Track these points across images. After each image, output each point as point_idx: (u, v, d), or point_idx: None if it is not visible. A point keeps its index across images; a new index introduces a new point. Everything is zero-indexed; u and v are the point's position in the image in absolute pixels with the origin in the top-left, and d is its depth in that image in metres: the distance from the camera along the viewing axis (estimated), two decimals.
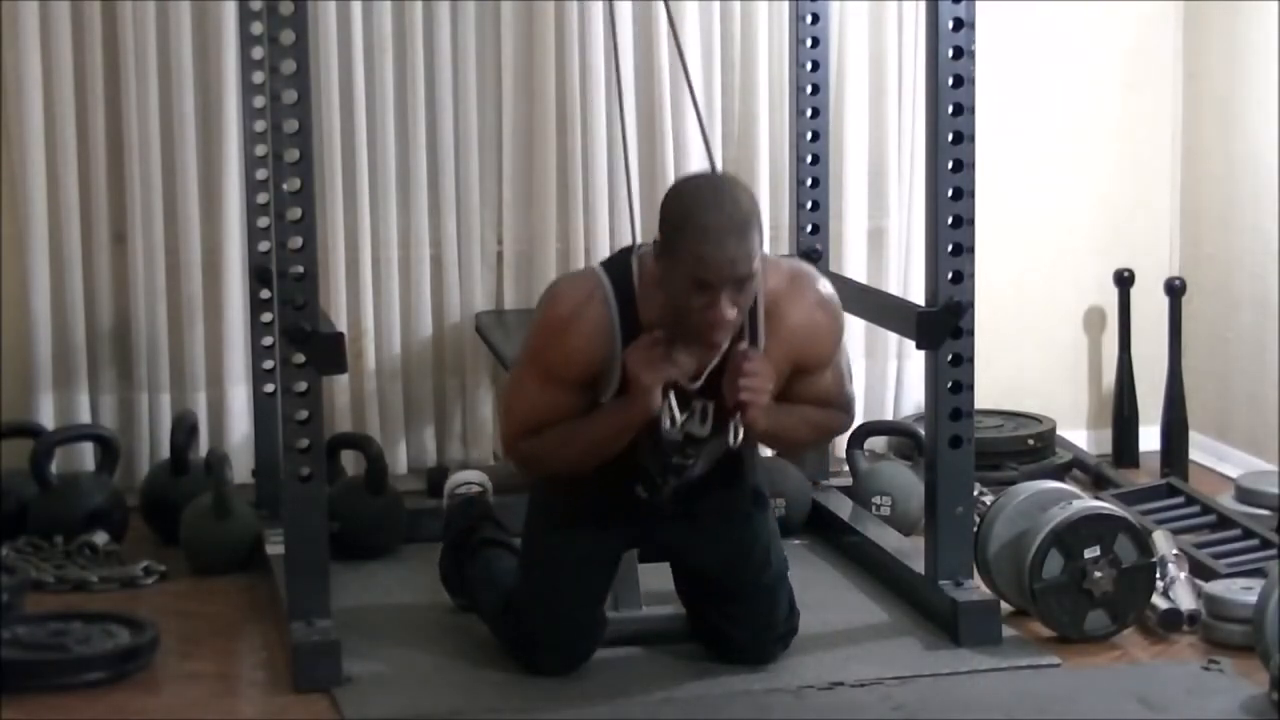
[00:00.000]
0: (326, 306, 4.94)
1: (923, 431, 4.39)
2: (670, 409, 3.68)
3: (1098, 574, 4.07)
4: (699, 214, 3.53)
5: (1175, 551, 4.35)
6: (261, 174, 4.69)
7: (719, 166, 4.62)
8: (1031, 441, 5.40)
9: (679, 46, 4.61)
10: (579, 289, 3.73)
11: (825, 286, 3.83)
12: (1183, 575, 4.26)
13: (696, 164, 5.37)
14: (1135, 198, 5.76)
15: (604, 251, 5.32)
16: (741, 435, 3.74)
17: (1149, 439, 5.56)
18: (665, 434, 3.70)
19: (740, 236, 3.52)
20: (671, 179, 5.30)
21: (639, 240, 3.90)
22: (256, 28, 4.61)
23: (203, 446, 5.09)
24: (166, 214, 5.16)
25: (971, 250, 4.08)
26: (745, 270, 3.53)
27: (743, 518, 3.95)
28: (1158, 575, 4.20)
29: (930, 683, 3.89)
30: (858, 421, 5.33)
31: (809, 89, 4.95)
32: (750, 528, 3.95)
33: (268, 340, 4.67)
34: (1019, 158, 5.64)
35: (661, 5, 5.29)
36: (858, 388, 5.51)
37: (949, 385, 4.10)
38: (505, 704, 3.79)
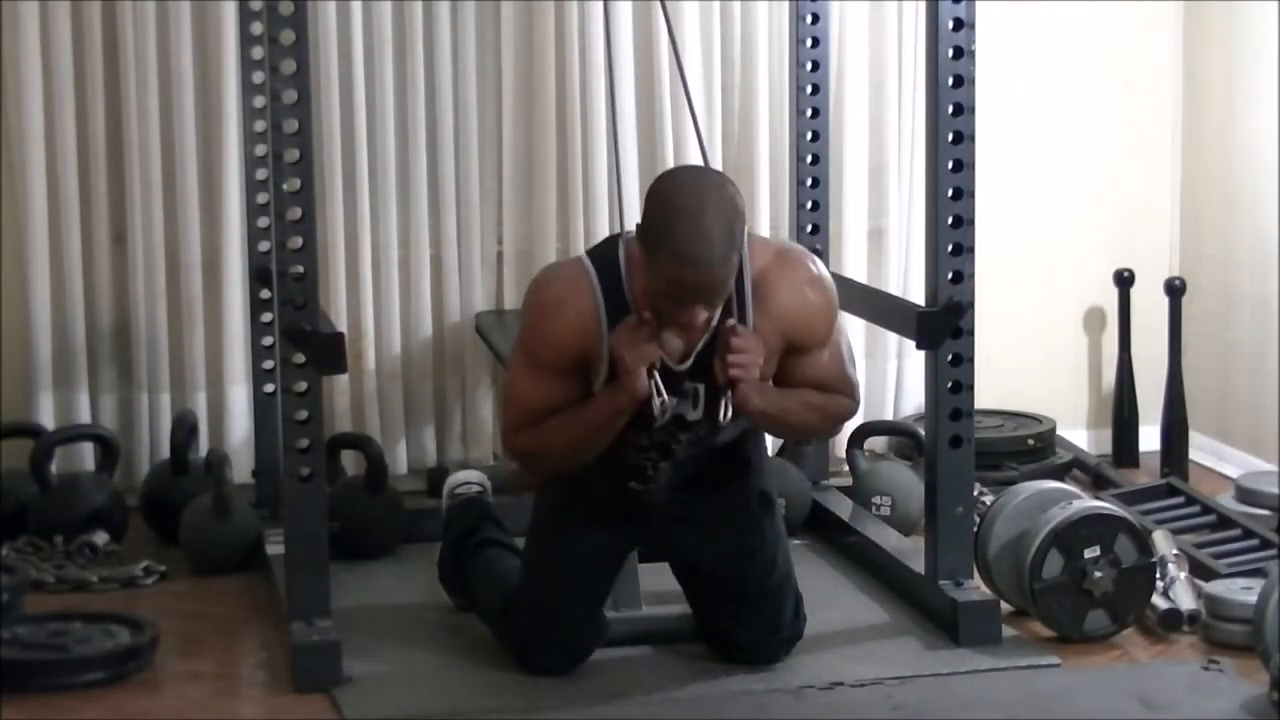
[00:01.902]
0: (326, 306, 4.94)
1: (923, 431, 4.39)
2: (658, 391, 3.66)
3: (1098, 574, 4.07)
4: (678, 232, 3.51)
5: (1175, 551, 4.35)
6: (261, 174, 4.69)
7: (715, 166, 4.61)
8: (1031, 441, 5.40)
9: (675, 48, 4.59)
10: (563, 275, 3.75)
11: (816, 265, 3.82)
12: (1183, 575, 4.26)
13: (696, 163, 5.37)
14: (1135, 198, 5.76)
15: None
16: (732, 413, 3.72)
17: (1149, 439, 5.56)
18: (655, 417, 3.69)
19: (719, 259, 3.51)
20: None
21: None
22: (256, 28, 4.61)
23: (203, 446, 5.10)
24: (166, 214, 5.16)
25: (971, 250, 4.08)
26: (721, 289, 3.55)
27: (749, 519, 3.95)
28: (1158, 575, 4.20)
29: (930, 683, 3.89)
30: (858, 421, 5.36)
31: (809, 89, 4.95)
32: (756, 530, 3.95)
33: (268, 340, 4.67)
34: (1019, 157, 5.64)
35: (662, 5, 5.30)
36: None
37: (949, 385, 4.10)
38: (505, 704, 3.79)
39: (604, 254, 3.75)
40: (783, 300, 3.73)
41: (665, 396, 3.68)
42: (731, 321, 3.65)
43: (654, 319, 3.61)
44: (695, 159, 5.33)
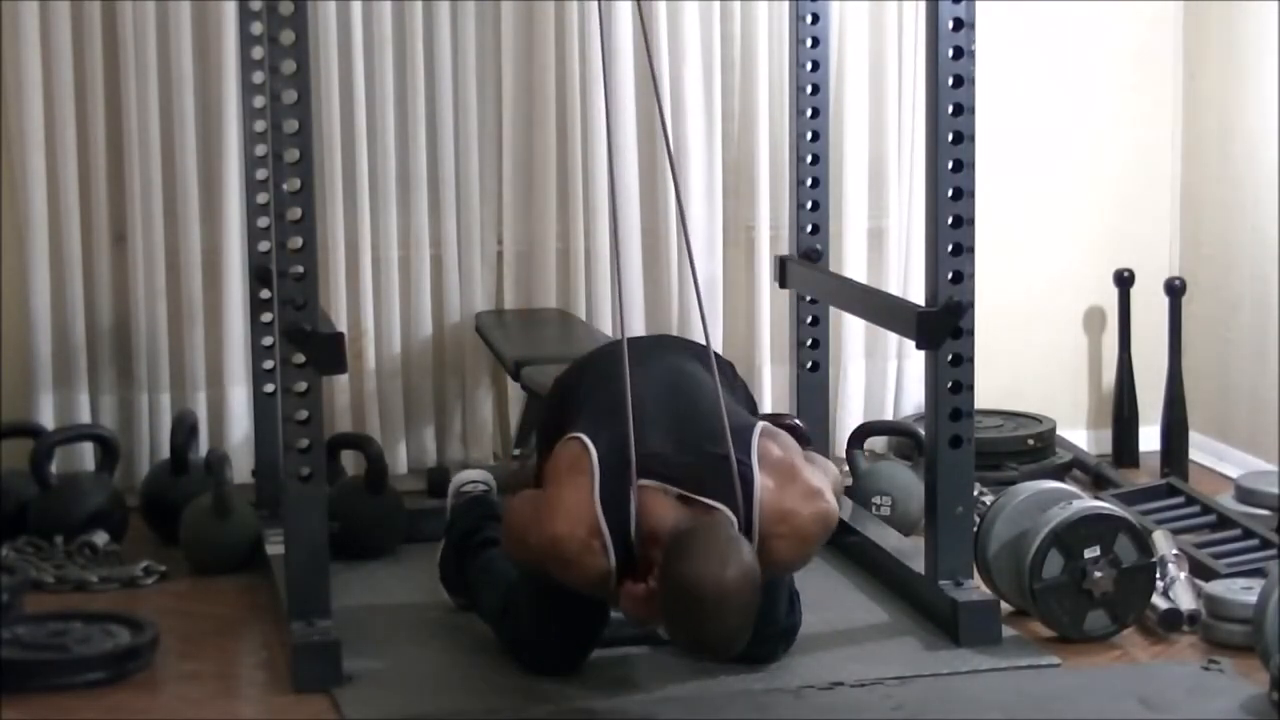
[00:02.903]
0: (326, 306, 4.95)
1: (923, 431, 4.39)
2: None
3: (1098, 574, 4.07)
4: (702, 627, 3.51)
5: (1175, 551, 4.35)
6: (261, 174, 4.69)
7: (678, 180, 4.60)
8: (1031, 441, 5.40)
9: (648, 50, 4.56)
10: (579, 531, 3.62)
11: (821, 521, 3.74)
12: (1183, 575, 4.26)
13: (696, 164, 5.38)
14: (1135, 198, 5.76)
15: (604, 251, 5.32)
16: None
17: (1149, 439, 5.56)
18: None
19: (734, 644, 3.57)
20: (671, 179, 5.30)
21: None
22: (256, 28, 4.61)
23: (203, 446, 5.10)
24: (166, 214, 5.16)
25: (971, 250, 4.08)
26: (735, 654, 3.64)
27: None
28: (1158, 575, 4.20)
29: (930, 683, 3.89)
30: (857, 421, 5.36)
31: (809, 89, 4.95)
32: None
33: (268, 340, 4.67)
34: (1019, 158, 5.64)
35: (662, 5, 5.31)
36: (858, 388, 5.55)
37: (949, 385, 4.10)
38: (505, 704, 3.79)
39: (616, 506, 3.64)
40: (785, 560, 3.73)
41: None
42: None
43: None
44: (696, 158, 5.36)
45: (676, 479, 3.65)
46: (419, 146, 5.27)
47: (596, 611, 3.95)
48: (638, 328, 5.32)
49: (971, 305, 4.09)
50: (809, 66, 4.93)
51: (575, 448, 3.71)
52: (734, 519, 3.62)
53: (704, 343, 4.01)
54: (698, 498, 3.62)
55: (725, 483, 3.63)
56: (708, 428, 3.70)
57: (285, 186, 3.88)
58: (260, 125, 4.64)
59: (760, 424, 3.80)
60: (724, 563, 3.48)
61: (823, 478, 3.81)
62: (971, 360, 4.11)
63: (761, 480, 3.67)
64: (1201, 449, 5.56)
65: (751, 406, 4.17)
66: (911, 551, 4.42)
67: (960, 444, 4.12)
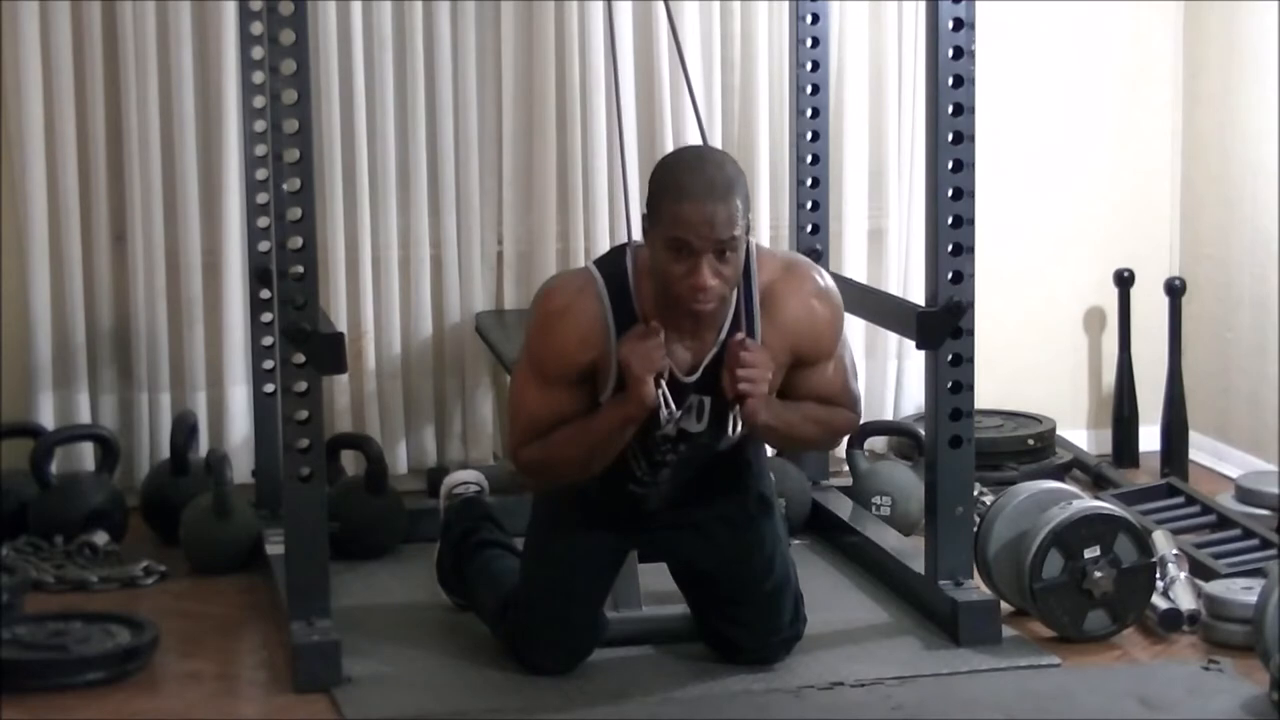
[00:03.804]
0: (326, 306, 4.95)
1: (923, 431, 4.39)
2: (666, 402, 3.65)
3: (1098, 574, 4.07)
4: (679, 176, 3.54)
5: (1175, 551, 4.35)
6: (261, 174, 4.69)
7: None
8: (1031, 441, 5.40)
9: (679, 46, 4.59)
10: (570, 284, 3.72)
11: (823, 277, 3.81)
12: (1183, 575, 4.26)
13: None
14: (1135, 198, 5.76)
15: (604, 251, 5.32)
16: (740, 427, 3.70)
17: (1149, 439, 5.56)
18: (660, 428, 3.69)
19: (720, 198, 3.50)
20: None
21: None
22: (256, 28, 4.61)
23: (203, 446, 5.10)
24: (166, 214, 5.16)
25: (971, 250, 4.08)
26: (725, 233, 3.50)
27: (746, 522, 3.94)
28: (1158, 575, 4.21)
29: (930, 683, 3.89)
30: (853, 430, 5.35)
31: (809, 89, 4.95)
32: (754, 532, 3.94)
33: (268, 340, 4.67)
34: (1019, 157, 5.64)
35: (662, 5, 5.30)
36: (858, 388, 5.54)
37: (949, 385, 4.10)
38: (505, 704, 3.79)
39: (611, 262, 3.74)
40: (790, 313, 3.72)
41: (672, 407, 3.67)
42: (740, 335, 3.65)
43: (662, 328, 3.61)
44: None
45: None
46: (419, 146, 5.27)
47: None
48: None
49: (971, 305, 4.09)
50: (809, 66, 4.93)
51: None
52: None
53: None
54: None
55: None
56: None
57: (285, 186, 3.88)
58: (260, 125, 4.64)
59: None
60: (703, 145, 3.76)
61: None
62: (971, 360, 4.11)
63: (757, 245, 3.73)
64: (1201, 449, 5.56)
65: None
66: (911, 551, 4.42)
67: (960, 444, 4.12)
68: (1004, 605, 4.18)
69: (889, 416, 5.58)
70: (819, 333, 3.76)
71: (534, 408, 3.73)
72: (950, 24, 4.02)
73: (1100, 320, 5.79)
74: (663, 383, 3.63)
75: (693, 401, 3.71)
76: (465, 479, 4.48)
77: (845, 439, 4.78)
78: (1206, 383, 5.59)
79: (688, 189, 3.50)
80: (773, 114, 5.43)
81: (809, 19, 4.92)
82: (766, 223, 5.45)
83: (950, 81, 4.03)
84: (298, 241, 3.89)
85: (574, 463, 3.73)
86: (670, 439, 3.73)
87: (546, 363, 3.69)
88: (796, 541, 4.68)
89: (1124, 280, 5.64)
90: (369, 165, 5.24)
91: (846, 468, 5.07)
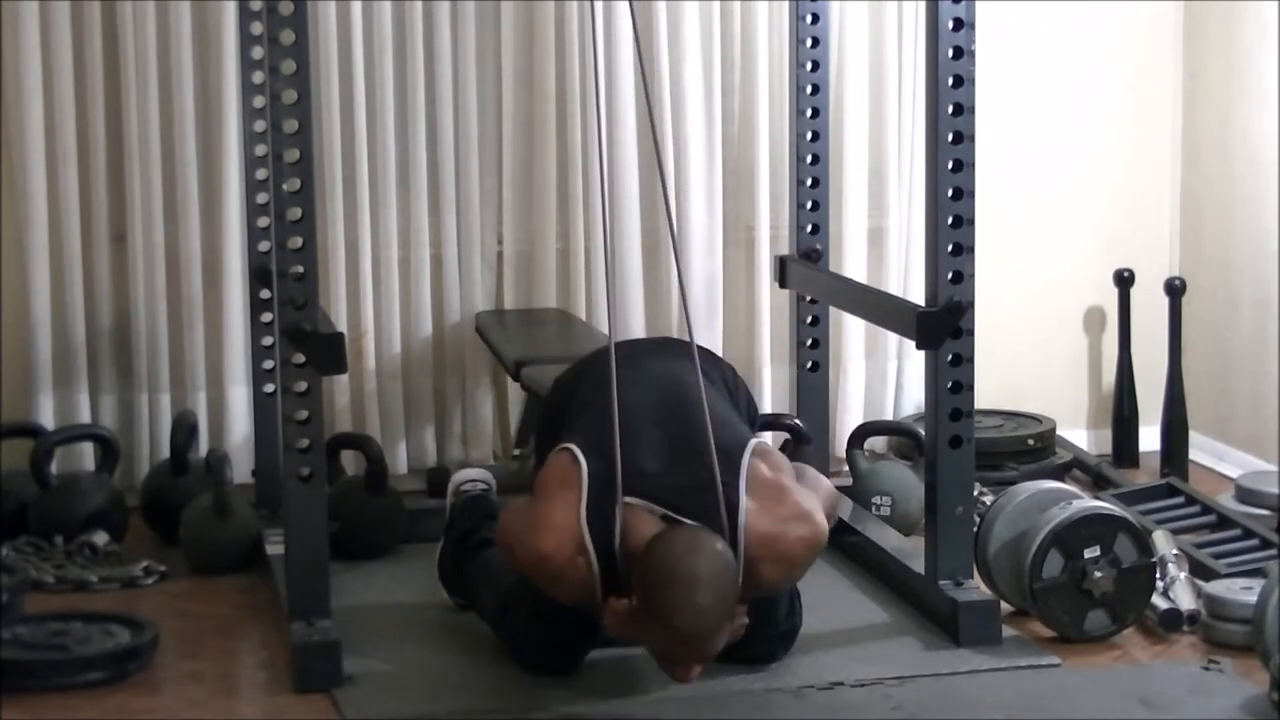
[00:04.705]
0: (326, 306, 4.95)
1: (923, 431, 4.39)
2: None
3: (1098, 574, 4.07)
4: (674, 598, 3.49)
5: (1175, 551, 4.35)
6: (261, 174, 4.69)
7: (669, 171, 4.57)
8: (1031, 441, 5.40)
9: (638, 49, 4.55)
10: (565, 548, 3.64)
11: (809, 544, 3.73)
12: (1183, 575, 4.26)
13: (696, 164, 5.38)
14: (1135, 198, 5.76)
15: (603, 251, 5.31)
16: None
17: (1149, 439, 5.56)
18: None
19: (711, 627, 3.52)
20: (672, 178, 5.31)
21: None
22: (256, 28, 4.61)
23: (203, 446, 5.10)
24: (166, 214, 5.16)
25: (971, 250, 4.08)
26: (712, 651, 3.57)
27: None
28: (1158, 575, 4.20)
29: (930, 683, 3.89)
30: (857, 421, 5.36)
31: (809, 89, 4.95)
32: None
33: (268, 340, 4.67)
34: (1019, 158, 5.64)
35: (662, 5, 5.31)
36: (858, 388, 5.55)
37: (949, 385, 4.10)
38: (505, 704, 3.79)
39: (601, 522, 3.65)
40: (771, 582, 3.73)
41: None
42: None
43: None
44: (695, 157, 5.36)
45: (662, 500, 3.66)
46: (419, 147, 5.27)
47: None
48: (637, 329, 5.32)
49: (971, 305, 4.09)
50: (809, 66, 4.93)
51: (566, 460, 3.72)
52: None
53: (706, 348, 4.01)
54: (682, 520, 3.63)
55: (711, 506, 3.63)
56: (699, 446, 3.69)
57: (285, 186, 3.88)
58: (260, 125, 4.64)
59: (753, 443, 3.78)
60: (695, 543, 3.53)
61: (813, 498, 3.80)
62: (971, 360, 4.11)
63: (747, 504, 3.67)
64: (1201, 449, 5.56)
65: (753, 412, 4.17)
66: (911, 551, 4.42)
67: (960, 444, 4.12)
68: (1004, 605, 4.18)
69: (889, 416, 5.58)
70: (796, 578, 3.83)
71: (521, 563, 3.77)
72: (950, 24, 4.02)
73: (1100, 320, 5.79)
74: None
75: None
76: (473, 477, 4.48)
77: (846, 431, 4.86)
78: (1206, 383, 5.59)
79: (680, 618, 3.49)
80: (773, 114, 5.43)
81: (809, 19, 4.92)
82: (766, 223, 5.45)
83: (950, 81, 4.03)
84: (298, 241, 3.89)
85: None
86: None
87: (534, 579, 3.72)
88: None
89: (1124, 280, 5.64)
90: (369, 165, 5.24)
91: (846, 468, 5.07)
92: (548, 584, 3.69)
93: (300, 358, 3.90)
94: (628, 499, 3.65)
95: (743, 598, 3.63)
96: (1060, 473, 5.29)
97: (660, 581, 3.50)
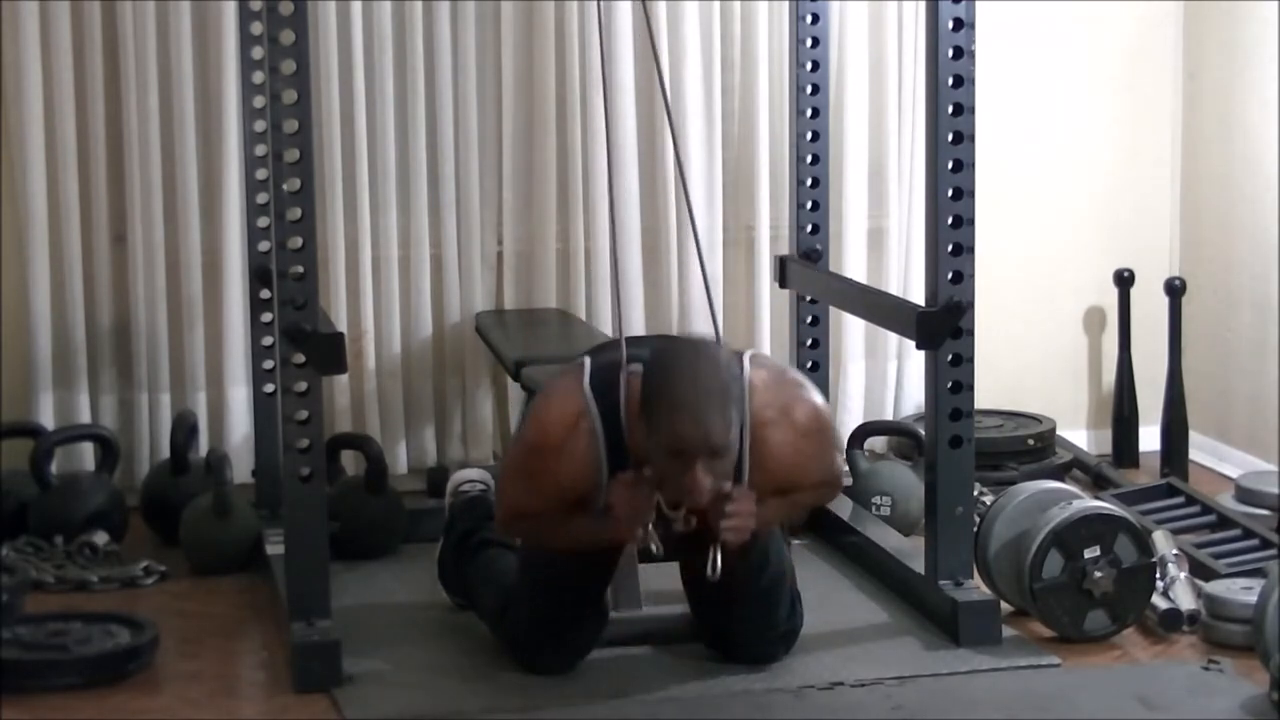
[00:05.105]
0: (326, 306, 4.95)
1: (923, 431, 4.39)
2: (653, 542, 3.72)
3: (1098, 574, 4.07)
4: (675, 387, 3.56)
5: (1175, 551, 4.35)
6: (261, 174, 4.69)
7: (669, 171, 4.60)
8: (1031, 441, 5.40)
9: (655, 48, 4.57)
10: (567, 412, 3.71)
11: (813, 412, 3.81)
12: (1183, 575, 4.26)
13: (696, 164, 5.38)
14: (1135, 198, 5.76)
15: (604, 251, 5.32)
16: (719, 568, 3.75)
17: (1149, 439, 5.56)
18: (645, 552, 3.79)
19: (714, 411, 3.53)
20: (671, 177, 5.31)
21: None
22: (256, 28, 4.61)
23: (203, 446, 5.10)
24: (166, 214, 5.16)
25: (971, 250, 4.08)
26: (720, 442, 3.56)
27: None
28: (1158, 575, 4.20)
29: (930, 683, 3.89)
30: (858, 421, 5.36)
31: (809, 89, 4.95)
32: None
33: (268, 340, 4.67)
34: (1019, 158, 5.64)
35: (662, 5, 5.31)
36: (858, 388, 5.55)
37: (949, 385, 4.10)
38: (505, 704, 3.79)
39: (606, 391, 3.72)
40: (779, 455, 3.77)
41: (658, 546, 3.73)
42: (727, 486, 3.68)
43: (653, 476, 3.64)
44: (695, 157, 5.36)
45: None
46: (419, 147, 5.27)
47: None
48: (637, 327, 5.32)
49: (971, 305, 4.09)
50: (809, 66, 4.93)
51: (568, 366, 3.82)
52: None
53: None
54: None
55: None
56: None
57: (285, 186, 3.88)
58: (260, 125, 4.64)
59: (750, 351, 3.89)
60: (697, 342, 3.73)
61: (814, 387, 3.89)
62: (971, 360, 4.11)
63: (751, 371, 3.74)
64: (1201, 449, 5.56)
65: None
66: (911, 551, 4.42)
67: (960, 444, 4.12)
68: (1004, 605, 4.18)
69: (889, 416, 5.58)
70: (807, 469, 3.84)
71: (520, 503, 3.82)
72: (950, 24, 4.02)
73: (1100, 320, 5.79)
74: (649, 524, 3.70)
75: (677, 526, 3.76)
76: (471, 477, 4.48)
77: (846, 431, 4.87)
78: (1206, 383, 5.59)
79: (683, 402, 3.53)
80: (773, 114, 5.43)
81: (809, 19, 4.92)
82: (766, 223, 5.45)
83: (950, 81, 4.03)
84: (298, 241, 3.89)
85: (559, 547, 3.84)
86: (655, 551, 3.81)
87: (537, 481, 3.76)
88: (796, 541, 4.68)
89: (1124, 280, 5.64)
90: (369, 165, 5.24)
91: (846, 468, 5.07)
92: (552, 461, 3.69)
93: (300, 358, 3.90)
94: (632, 367, 3.68)
95: (753, 483, 3.67)
96: (1060, 473, 5.29)
97: (662, 373, 3.57)
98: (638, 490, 3.65)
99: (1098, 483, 5.31)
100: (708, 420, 3.53)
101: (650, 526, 3.70)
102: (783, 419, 3.77)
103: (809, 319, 4.99)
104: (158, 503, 4.88)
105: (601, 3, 4.39)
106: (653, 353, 3.68)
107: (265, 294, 4.66)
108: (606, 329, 5.28)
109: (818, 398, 3.86)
